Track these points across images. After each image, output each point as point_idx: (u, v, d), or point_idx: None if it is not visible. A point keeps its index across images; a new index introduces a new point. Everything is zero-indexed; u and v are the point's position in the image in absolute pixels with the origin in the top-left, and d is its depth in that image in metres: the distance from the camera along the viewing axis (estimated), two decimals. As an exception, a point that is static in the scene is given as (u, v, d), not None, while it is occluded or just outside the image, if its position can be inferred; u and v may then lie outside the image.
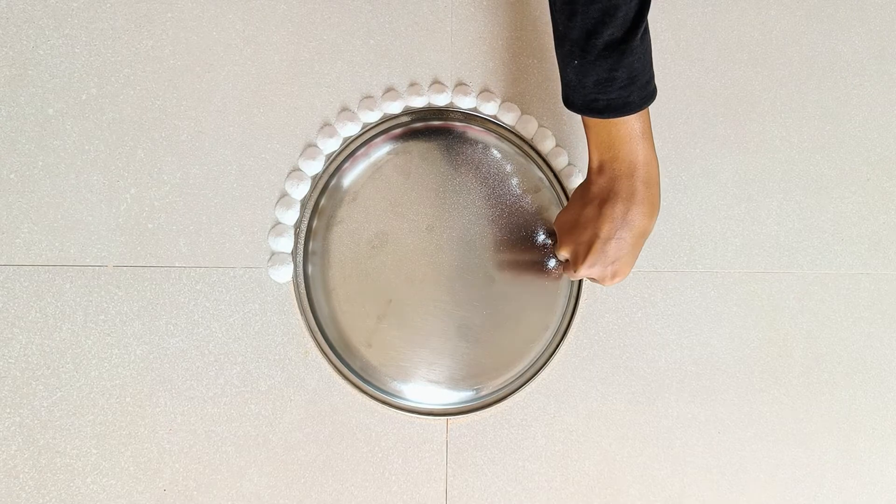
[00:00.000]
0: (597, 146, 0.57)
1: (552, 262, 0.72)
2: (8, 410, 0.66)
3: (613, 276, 0.60)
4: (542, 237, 0.72)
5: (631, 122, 0.54)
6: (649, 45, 0.54)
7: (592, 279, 0.62)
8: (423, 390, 0.70)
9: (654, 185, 0.56)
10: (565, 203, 0.74)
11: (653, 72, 0.55)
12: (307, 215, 0.71)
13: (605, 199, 0.57)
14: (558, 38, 0.55)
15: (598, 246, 0.58)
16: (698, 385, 0.73)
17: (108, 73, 0.69)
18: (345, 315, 0.70)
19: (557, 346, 0.72)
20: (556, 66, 0.66)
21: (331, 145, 0.71)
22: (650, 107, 0.55)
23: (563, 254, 0.63)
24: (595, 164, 0.58)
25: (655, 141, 0.57)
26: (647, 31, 0.52)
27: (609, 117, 0.54)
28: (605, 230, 0.57)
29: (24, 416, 0.66)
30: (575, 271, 0.61)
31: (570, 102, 0.56)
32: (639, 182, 0.56)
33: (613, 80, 0.52)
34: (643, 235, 0.58)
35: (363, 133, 0.73)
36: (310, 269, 0.70)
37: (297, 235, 0.71)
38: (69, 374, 0.66)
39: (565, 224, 0.62)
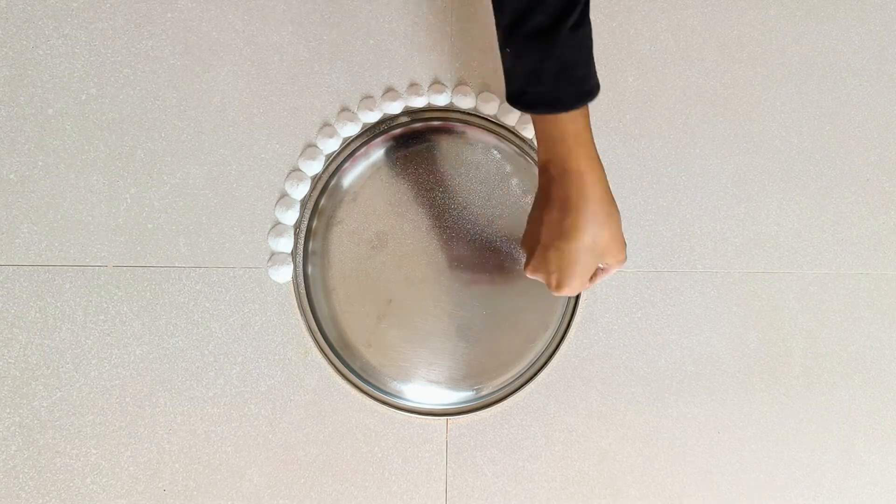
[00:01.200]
0: (539, 143, 0.53)
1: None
2: (8, 410, 0.66)
3: (559, 286, 0.55)
4: (542, 237, 0.72)
5: (563, 122, 0.50)
6: (588, 40, 0.50)
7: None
8: (423, 390, 0.70)
9: (592, 200, 0.51)
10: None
11: (592, 70, 0.51)
12: (307, 215, 0.71)
13: (545, 203, 0.54)
14: (497, 27, 0.53)
15: (539, 252, 0.55)
16: (698, 385, 0.73)
17: (108, 73, 0.69)
18: (345, 315, 0.70)
19: (557, 346, 0.72)
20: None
21: (331, 145, 0.71)
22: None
23: (523, 250, 0.60)
24: (540, 162, 0.54)
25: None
26: (585, 24, 0.49)
27: (537, 113, 0.51)
28: (544, 236, 0.54)
29: (24, 416, 0.66)
30: (524, 270, 0.58)
31: (507, 96, 0.53)
32: (573, 191, 0.51)
33: (542, 72, 0.49)
34: (585, 251, 0.53)
35: (363, 133, 0.73)
36: (310, 269, 0.70)
37: (296, 235, 0.71)
38: (69, 374, 0.66)
39: (528, 220, 0.58)
